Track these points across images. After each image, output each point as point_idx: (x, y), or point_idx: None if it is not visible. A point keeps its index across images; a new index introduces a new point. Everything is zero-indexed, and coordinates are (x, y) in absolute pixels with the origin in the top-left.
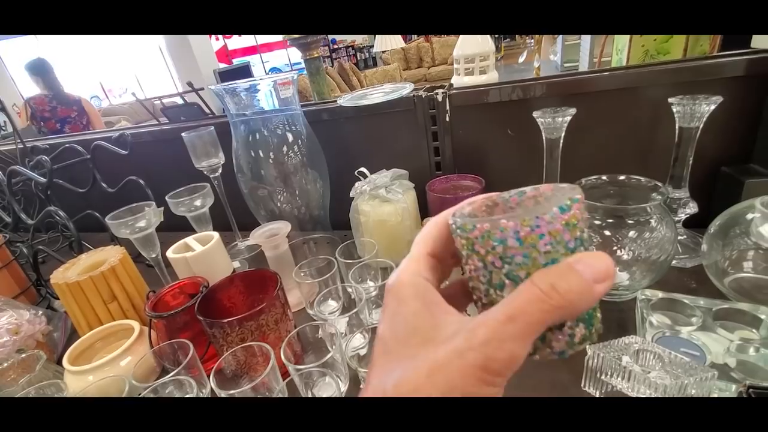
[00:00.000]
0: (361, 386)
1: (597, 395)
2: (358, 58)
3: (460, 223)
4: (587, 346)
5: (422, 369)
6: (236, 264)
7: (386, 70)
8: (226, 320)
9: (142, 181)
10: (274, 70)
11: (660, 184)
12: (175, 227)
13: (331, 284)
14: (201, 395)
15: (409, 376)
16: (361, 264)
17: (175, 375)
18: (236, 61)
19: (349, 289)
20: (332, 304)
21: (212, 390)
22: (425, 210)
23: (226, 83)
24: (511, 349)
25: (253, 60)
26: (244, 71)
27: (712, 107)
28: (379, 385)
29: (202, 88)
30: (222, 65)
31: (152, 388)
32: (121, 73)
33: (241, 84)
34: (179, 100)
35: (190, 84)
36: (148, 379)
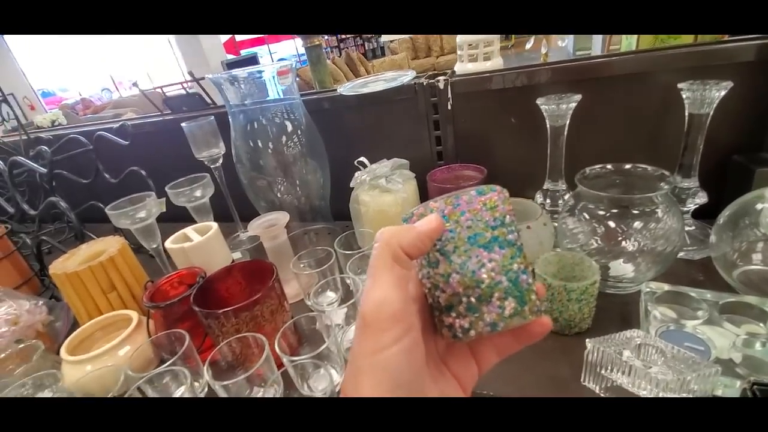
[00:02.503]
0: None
1: (597, 390)
2: (366, 47)
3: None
4: (587, 340)
5: None
6: (237, 255)
7: (394, 60)
8: (221, 311)
9: (143, 172)
10: (282, 60)
11: (667, 173)
12: (177, 218)
13: (329, 275)
14: (195, 386)
15: None
16: (360, 255)
17: (170, 365)
18: (244, 52)
19: (348, 281)
20: (330, 296)
21: (208, 381)
22: (426, 200)
23: (225, 72)
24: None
25: (261, 51)
26: (252, 62)
27: (723, 93)
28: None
29: (203, 78)
30: (230, 56)
31: (147, 378)
32: (130, 66)
33: (239, 73)
34: (189, 90)
35: (191, 73)
36: (147, 370)
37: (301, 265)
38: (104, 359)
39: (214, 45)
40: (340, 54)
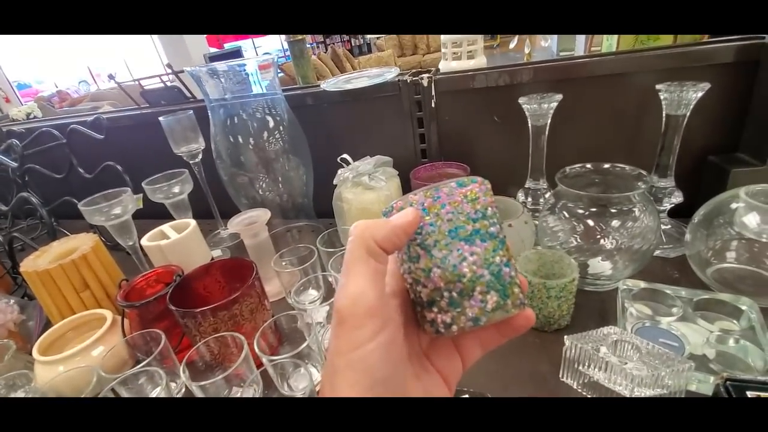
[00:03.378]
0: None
1: (575, 386)
2: (353, 44)
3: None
4: (565, 337)
5: None
6: (218, 252)
7: (380, 57)
8: (198, 310)
9: (119, 167)
10: (266, 55)
11: (644, 172)
12: (155, 215)
13: (311, 273)
14: (172, 386)
15: None
16: (342, 252)
17: (144, 366)
18: (227, 46)
19: (330, 279)
20: (313, 294)
21: (185, 381)
22: None
23: (204, 64)
24: None
25: (245, 45)
26: (236, 56)
27: (700, 94)
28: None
29: (182, 71)
30: (213, 50)
31: (121, 379)
32: (109, 57)
33: (219, 66)
34: (169, 83)
35: (169, 66)
36: (121, 371)
37: (283, 263)
38: (77, 360)
39: (196, 37)
40: (326, 50)
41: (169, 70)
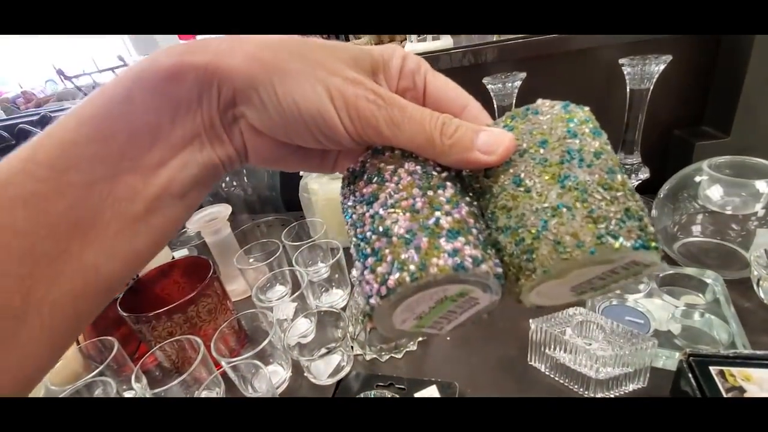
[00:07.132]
0: None
1: (543, 369)
2: None
3: None
4: (530, 320)
5: None
6: (185, 252)
7: (357, 45)
8: (151, 314)
9: None
10: None
11: None
12: None
13: (277, 268)
14: (126, 396)
15: None
16: (309, 245)
17: (95, 376)
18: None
19: (297, 273)
20: (280, 289)
21: (137, 390)
22: None
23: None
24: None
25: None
26: None
27: (662, 66)
28: None
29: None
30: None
31: (71, 392)
32: (76, 54)
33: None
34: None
35: (120, 58)
36: (75, 382)
37: (251, 260)
38: None
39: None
40: None
41: (121, 63)
